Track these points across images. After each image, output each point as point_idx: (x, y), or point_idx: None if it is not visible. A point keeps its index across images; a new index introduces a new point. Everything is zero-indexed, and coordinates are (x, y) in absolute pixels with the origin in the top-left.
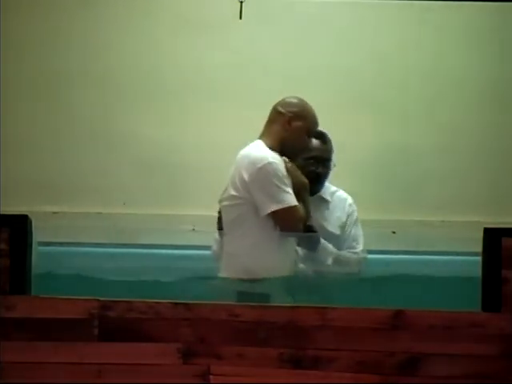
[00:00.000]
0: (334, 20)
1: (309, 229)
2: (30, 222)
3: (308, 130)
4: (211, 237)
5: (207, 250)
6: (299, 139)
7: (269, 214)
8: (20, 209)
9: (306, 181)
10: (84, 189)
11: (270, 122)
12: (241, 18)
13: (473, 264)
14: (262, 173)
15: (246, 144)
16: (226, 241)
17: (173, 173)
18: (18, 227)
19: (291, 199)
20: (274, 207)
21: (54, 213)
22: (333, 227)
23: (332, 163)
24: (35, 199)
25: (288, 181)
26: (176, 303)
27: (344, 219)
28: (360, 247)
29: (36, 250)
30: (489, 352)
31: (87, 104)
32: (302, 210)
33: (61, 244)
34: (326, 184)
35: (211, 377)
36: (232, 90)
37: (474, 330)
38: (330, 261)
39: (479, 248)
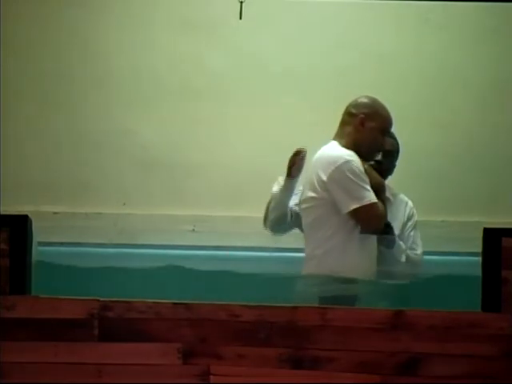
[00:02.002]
0: (334, 20)
1: (387, 226)
2: (30, 222)
3: (382, 130)
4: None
5: (207, 250)
6: (373, 140)
7: (349, 213)
8: (20, 209)
9: (383, 181)
10: (84, 189)
11: (343, 123)
12: (241, 18)
13: (473, 264)
14: (340, 171)
15: (245, 144)
16: (306, 243)
17: (173, 173)
18: (18, 227)
19: (371, 196)
20: (355, 205)
21: (54, 213)
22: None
23: (395, 162)
24: (35, 199)
25: (366, 178)
26: (176, 303)
27: (404, 221)
28: (420, 249)
29: (36, 249)
30: (489, 352)
31: (87, 104)
32: (382, 207)
33: (61, 244)
34: (388, 185)
35: (211, 377)
36: (232, 89)
37: (474, 330)
38: (403, 258)
39: (479, 248)
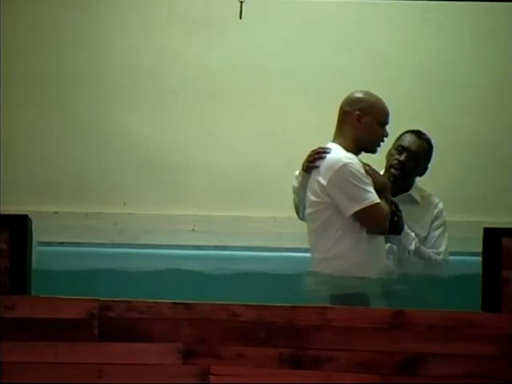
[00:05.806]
0: (334, 20)
1: (393, 215)
2: (30, 222)
3: (379, 122)
4: None
5: (207, 250)
6: (373, 133)
7: (352, 215)
8: (20, 209)
9: (386, 180)
10: (84, 189)
11: (340, 122)
12: (241, 18)
13: (473, 264)
14: (339, 175)
15: (245, 144)
16: (314, 248)
17: (173, 173)
18: (18, 227)
19: (373, 197)
20: (357, 207)
21: (54, 213)
22: (419, 228)
23: (420, 160)
24: (35, 199)
25: (368, 179)
26: (176, 303)
27: (430, 221)
28: (441, 250)
29: (36, 249)
30: (489, 352)
31: (87, 104)
32: (385, 206)
33: (61, 244)
34: (419, 186)
35: (211, 377)
36: (232, 89)
37: (474, 330)
38: (413, 245)
39: (479, 248)
